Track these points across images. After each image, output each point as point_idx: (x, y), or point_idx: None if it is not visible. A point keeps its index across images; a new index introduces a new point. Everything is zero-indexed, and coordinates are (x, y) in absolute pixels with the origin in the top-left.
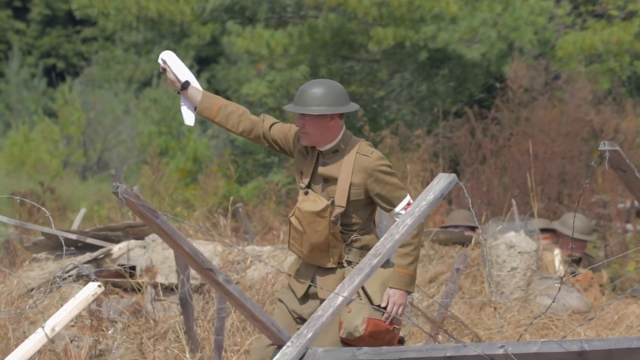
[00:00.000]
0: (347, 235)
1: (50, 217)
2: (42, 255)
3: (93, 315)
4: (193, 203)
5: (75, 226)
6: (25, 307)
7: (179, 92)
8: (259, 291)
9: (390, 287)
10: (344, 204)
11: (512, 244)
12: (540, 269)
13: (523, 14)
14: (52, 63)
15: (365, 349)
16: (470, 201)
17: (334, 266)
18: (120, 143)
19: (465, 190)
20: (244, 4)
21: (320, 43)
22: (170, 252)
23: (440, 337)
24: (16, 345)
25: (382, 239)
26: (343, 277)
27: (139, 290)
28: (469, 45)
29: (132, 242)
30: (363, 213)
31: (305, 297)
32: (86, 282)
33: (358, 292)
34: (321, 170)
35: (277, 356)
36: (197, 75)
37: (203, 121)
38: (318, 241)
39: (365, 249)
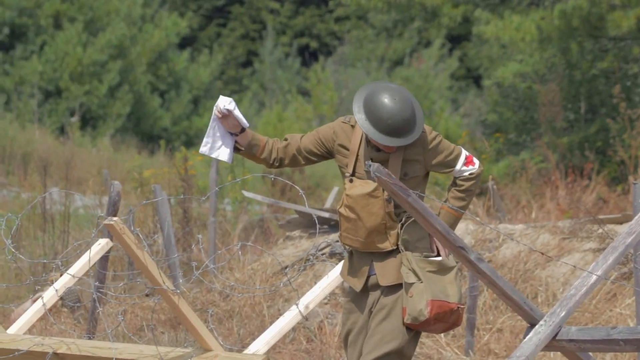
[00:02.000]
0: (400, 217)
1: (304, 196)
2: (296, 233)
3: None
4: (442, 182)
5: (328, 204)
6: (279, 284)
7: (236, 134)
8: (511, 270)
9: None
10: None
11: None
12: None
13: None
14: (306, 42)
15: (621, 327)
16: None
17: (393, 248)
18: None
19: None
20: None
21: (569, 27)
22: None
23: None
24: (271, 322)
25: (636, 217)
26: (401, 263)
27: None
28: None
29: None
30: (419, 189)
31: (365, 291)
32: (339, 260)
33: (417, 276)
34: (374, 156)
35: (530, 334)
36: (449, 53)
37: (454, 99)
38: (375, 223)
39: (419, 227)
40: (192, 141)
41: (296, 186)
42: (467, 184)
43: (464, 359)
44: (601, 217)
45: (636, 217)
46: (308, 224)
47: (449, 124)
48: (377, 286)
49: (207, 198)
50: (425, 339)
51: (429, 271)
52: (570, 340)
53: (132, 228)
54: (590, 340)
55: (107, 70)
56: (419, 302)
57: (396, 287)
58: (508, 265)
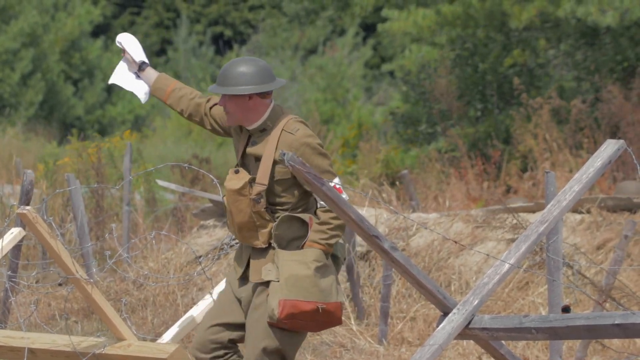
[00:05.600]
0: (278, 215)
1: (218, 184)
2: (210, 222)
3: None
4: (356, 172)
5: None
6: (193, 273)
7: (136, 73)
8: (425, 258)
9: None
10: (265, 182)
11: None
12: None
13: None
14: (220, 31)
15: (533, 316)
16: (638, 167)
17: (263, 246)
18: None
19: (633, 157)
20: None
21: (469, 16)
22: None
23: (607, 304)
24: (185, 312)
25: (549, 206)
26: (272, 260)
27: None
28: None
29: None
30: (293, 193)
31: (244, 279)
32: None
33: (277, 274)
34: (249, 149)
35: (444, 323)
36: (364, 42)
37: (368, 88)
38: (243, 220)
39: (293, 226)
40: (106, 130)
41: (210, 174)
42: (324, 216)
43: (378, 347)
44: (514, 205)
45: (548, 206)
46: (222, 212)
47: (362, 113)
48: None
49: (122, 187)
50: (338, 327)
51: (292, 260)
52: (483, 329)
53: (45, 217)
54: (503, 329)
55: (19, 58)
56: (272, 301)
57: (268, 286)
58: (422, 254)
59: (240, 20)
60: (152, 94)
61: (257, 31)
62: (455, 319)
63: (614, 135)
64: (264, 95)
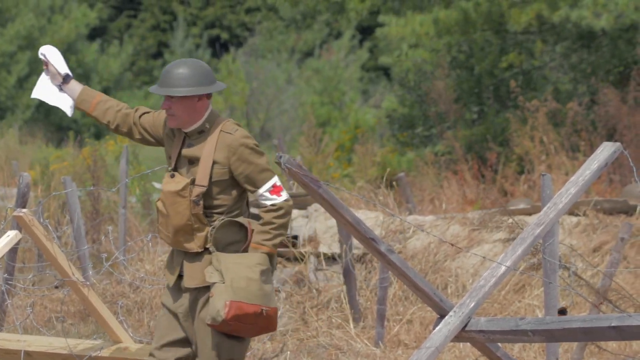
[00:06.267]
0: (213, 218)
1: None
2: None
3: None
4: (351, 174)
5: None
6: None
7: (60, 86)
8: (421, 261)
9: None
10: (205, 183)
11: None
12: None
13: None
14: (216, 34)
15: (529, 318)
16: (635, 170)
17: (199, 250)
18: (282, 113)
19: (630, 159)
20: None
21: (468, 20)
22: (333, 222)
23: (604, 307)
24: None
25: (545, 209)
26: (210, 263)
27: (302, 260)
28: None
29: (295, 211)
30: (230, 194)
31: (178, 292)
32: None
33: (222, 276)
34: (185, 152)
35: (440, 325)
36: (360, 45)
37: (365, 90)
38: (180, 223)
39: (232, 230)
40: (102, 133)
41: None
42: (267, 216)
43: (374, 350)
44: (510, 208)
45: (545, 208)
46: None
47: (359, 115)
48: (187, 289)
49: (118, 189)
50: (335, 329)
51: (236, 263)
52: (480, 331)
53: (42, 220)
54: (499, 331)
55: (15, 61)
56: (218, 302)
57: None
58: (418, 256)
59: (237, 23)
60: (76, 107)
61: (253, 34)
62: (451, 322)
63: (610, 137)
64: (209, 96)
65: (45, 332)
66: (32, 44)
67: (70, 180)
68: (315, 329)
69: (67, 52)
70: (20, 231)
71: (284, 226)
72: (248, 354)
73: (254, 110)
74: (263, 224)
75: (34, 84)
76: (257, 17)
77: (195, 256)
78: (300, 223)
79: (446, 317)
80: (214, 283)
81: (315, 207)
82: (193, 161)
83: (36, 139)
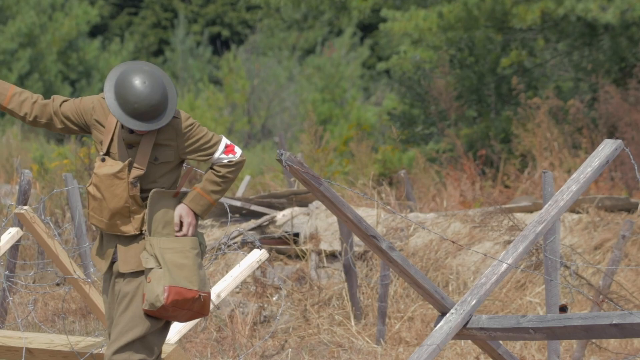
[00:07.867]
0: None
1: None
2: (207, 222)
3: (258, 282)
4: (353, 172)
5: (239, 193)
6: None
7: None
8: (422, 258)
9: (184, 203)
10: (144, 166)
11: None
12: None
13: None
14: (217, 31)
15: (530, 316)
16: (636, 167)
17: (136, 233)
18: (283, 110)
19: (631, 157)
20: None
21: (471, 17)
22: (333, 219)
23: (605, 304)
24: None
25: (546, 206)
26: (144, 248)
27: (303, 257)
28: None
29: (296, 209)
30: (167, 179)
31: (112, 276)
32: (251, 249)
33: (158, 261)
34: (126, 136)
35: (441, 323)
36: (361, 42)
37: (366, 88)
38: (118, 205)
39: (164, 212)
40: None
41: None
42: (224, 170)
43: (375, 347)
44: (511, 205)
45: (546, 206)
46: (220, 212)
47: (360, 112)
48: (120, 274)
49: None
50: (336, 327)
51: (170, 249)
52: (481, 329)
53: (43, 217)
54: (501, 329)
55: (16, 58)
56: (156, 288)
57: (138, 274)
58: (419, 254)
59: (238, 20)
60: None
61: (254, 31)
62: (453, 319)
63: (611, 135)
64: None
65: (46, 329)
66: (33, 42)
67: (71, 178)
68: (317, 326)
69: (68, 49)
70: (22, 228)
71: (233, 182)
72: (249, 351)
73: (255, 107)
74: (218, 176)
75: (36, 82)
76: (258, 15)
77: (130, 240)
78: (302, 220)
79: (447, 314)
80: (151, 269)
81: (317, 205)
82: (132, 145)
83: (38, 137)
